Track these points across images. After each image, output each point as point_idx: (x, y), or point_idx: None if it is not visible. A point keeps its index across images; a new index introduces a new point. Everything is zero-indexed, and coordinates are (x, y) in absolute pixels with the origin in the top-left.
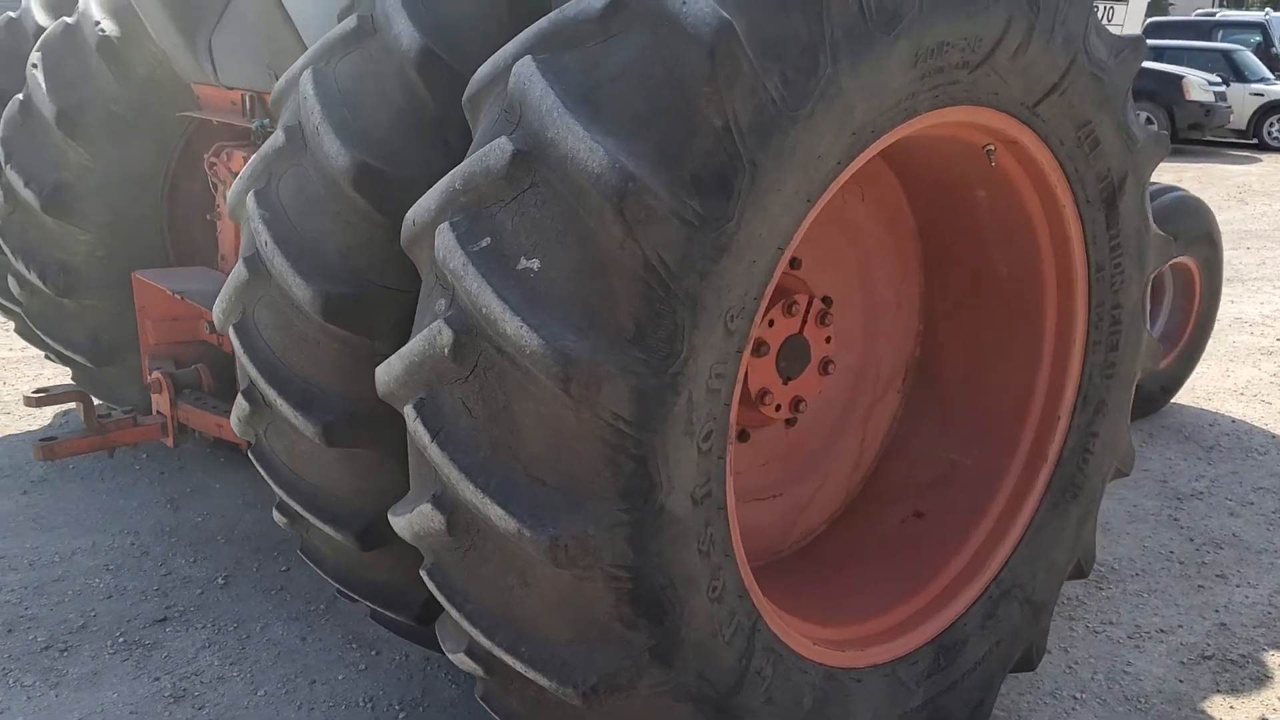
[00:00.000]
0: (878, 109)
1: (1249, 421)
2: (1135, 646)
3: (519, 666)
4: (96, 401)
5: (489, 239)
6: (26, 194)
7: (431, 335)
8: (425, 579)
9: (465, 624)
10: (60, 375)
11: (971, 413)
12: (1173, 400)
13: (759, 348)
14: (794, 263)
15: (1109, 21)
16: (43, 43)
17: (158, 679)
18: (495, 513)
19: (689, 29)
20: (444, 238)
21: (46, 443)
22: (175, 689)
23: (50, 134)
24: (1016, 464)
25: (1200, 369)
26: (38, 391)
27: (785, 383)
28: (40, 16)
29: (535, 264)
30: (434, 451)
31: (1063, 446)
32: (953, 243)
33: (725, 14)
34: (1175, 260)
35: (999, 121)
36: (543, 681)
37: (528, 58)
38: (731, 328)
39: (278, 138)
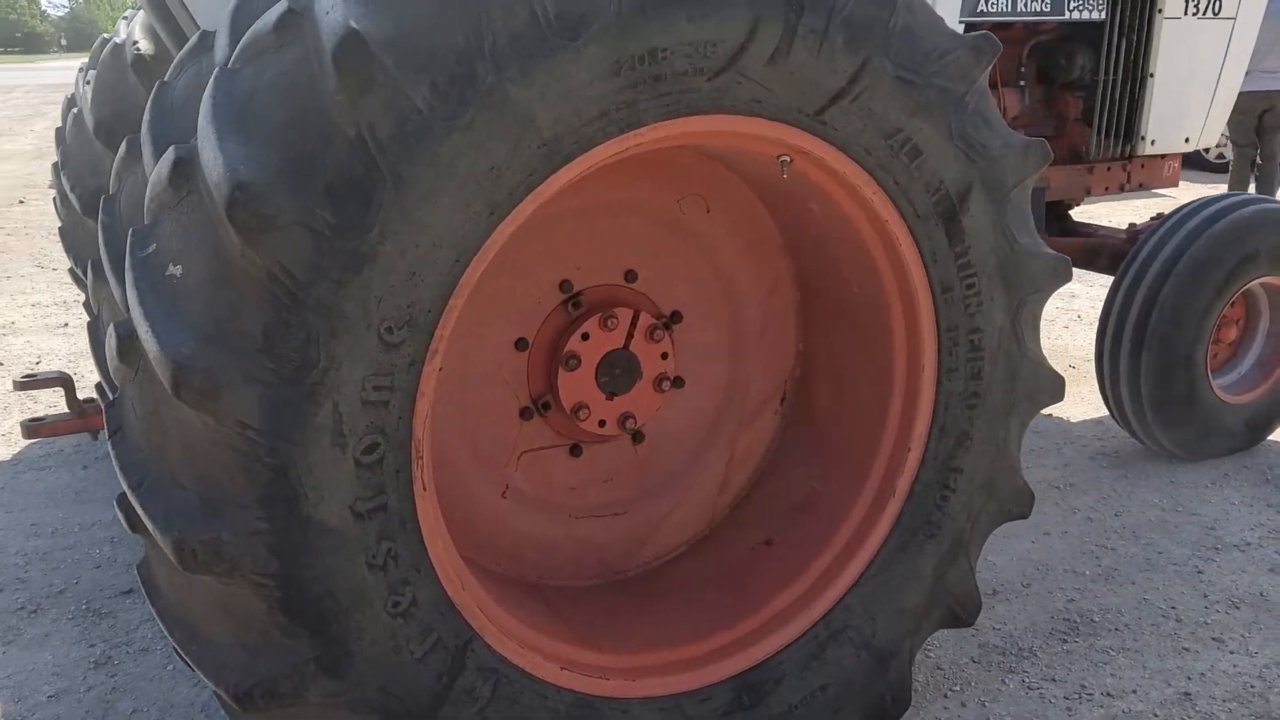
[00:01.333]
0: (574, 120)
1: None
2: (1067, 709)
3: (191, 664)
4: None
5: (154, 245)
6: (72, 197)
7: (109, 335)
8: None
9: (156, 619)
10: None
11: (834, 439)
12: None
13: (568, 361)
14: (629, 276)
15: (1215, 12)
16: (98, 60)
17: (93, 645)
18: (141, 512)
19: (323, 39)
20: (130, 242)
21: (34, 423)
22: (102, 656)
23: (92, 143)
24: (865, 497)
25: None
26: (26, 377)
27: (609, 398)
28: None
29: (179, 270)
30: (111, 448)
31: (914, 481)
32: (812, 260)
33: (354, 24)
34: (1264, 280)
35: (775, 131)
36: (208, 681)
37: (218, 69)
38: (393, 340)
39: None
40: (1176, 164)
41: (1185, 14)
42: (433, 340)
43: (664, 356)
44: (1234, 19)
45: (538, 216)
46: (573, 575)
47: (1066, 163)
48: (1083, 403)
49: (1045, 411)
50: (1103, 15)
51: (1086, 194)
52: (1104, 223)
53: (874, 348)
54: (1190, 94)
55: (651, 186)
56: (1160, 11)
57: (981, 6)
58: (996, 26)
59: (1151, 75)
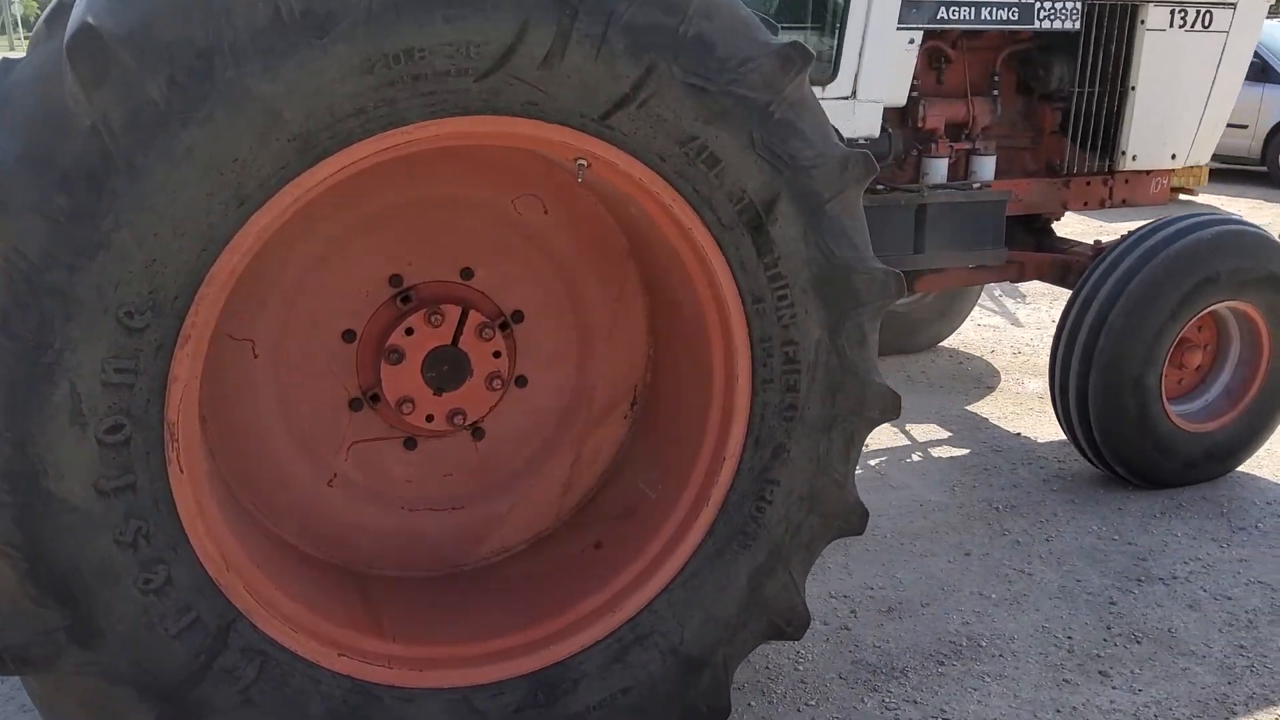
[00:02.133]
0: (327, 116)
1: None
2: None
3: None
4: None
5: None
6: None
7: None
8: None
9: None
10: None
11: (666, 445)
12: (1239, 469)
13: (390, 355)
14: (465, 273)
15: (1205, 25)
16: None
17: None
18: None
19: (66, 33)
20: None
21: None
22: None
23: None
24: (683, 504)
25: None
26: None
27: (437, 393)
28: None
29: None
30: None
31: (729, 491)
32: (649, 264)
33: (90, 19)
34: (1232, 305)
35: (559, 135)
36: None
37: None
38: (134, 325)
39: None
40: (1165, 181)
41: (1171, 26)
42: (183, 326)
43: (496, 355)
44: (1226, 32)
45: (367, 211)
46: (405, 566)
47: (1042, 175)
48: (1052, 423)
49: (1012, 430)
50: (1077, 26)
51: (1063, 208)
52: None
53: (697, 356)
54: (1177, 109)
55: (487, 185)
56: (1142, 23)
57: (941, 14)
58: (964, 35)
59: (1133, 88)
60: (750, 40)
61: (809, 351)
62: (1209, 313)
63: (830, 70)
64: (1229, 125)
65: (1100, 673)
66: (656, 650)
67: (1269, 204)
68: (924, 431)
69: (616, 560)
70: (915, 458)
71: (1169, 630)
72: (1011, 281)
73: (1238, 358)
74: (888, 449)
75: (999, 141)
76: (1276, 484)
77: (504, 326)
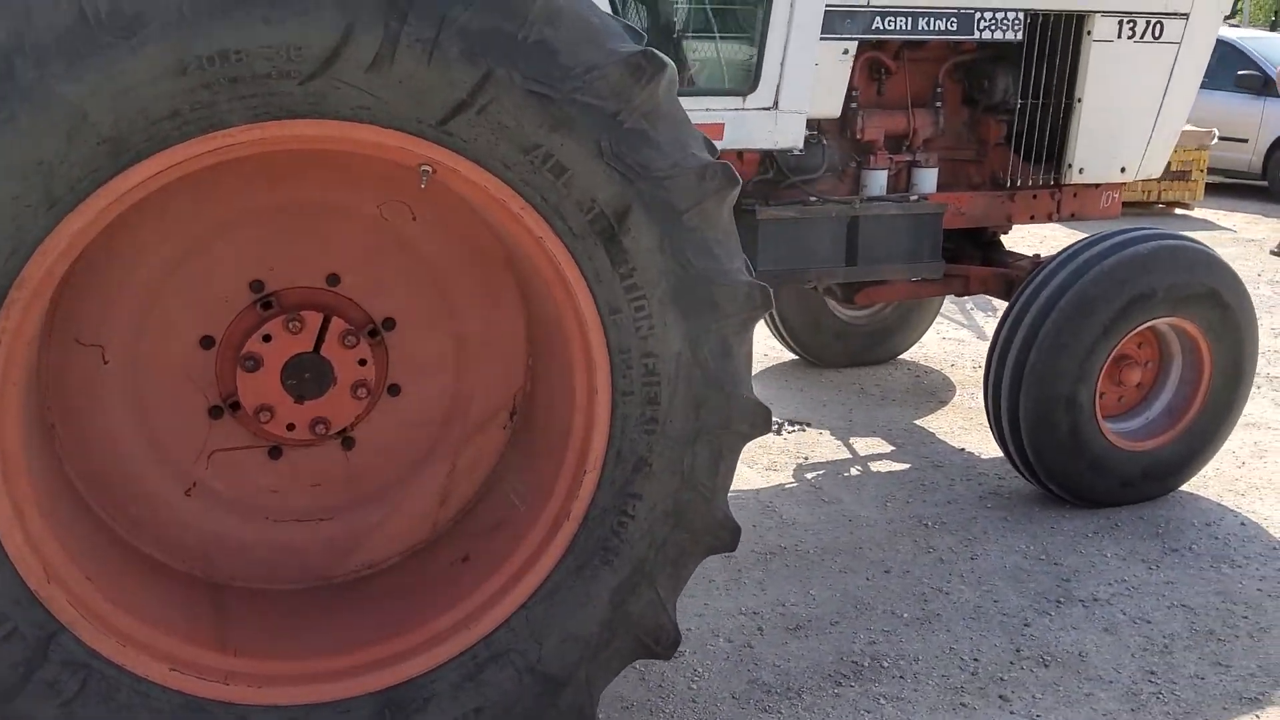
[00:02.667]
0: (140, 119)
1: (1260, 526)
2: None
3: None
4: None
5: None
6: None
7: None
8: None
9: None
10: None
11: (535, 456)
12: (1183, 489)
13: (246, 362)
14: (331, 280)
15: (1155, 37)
16: None
17: None
18: None
19: None
20: None
21: None
22: None
23: None
24: (545, 518)
25: (1237, 459)
26: None
27: (298, 401)
28: None
29: None
30: None
31: (590, 505)
32: (520, 273)
33: None
34: (1172, 322)
35: (396, 140)
36: None
37: None
38: None
39: None
40: (1116, 195)
41: (1119, 37)
42: None
43: (362, 363)
44: (1178, 44)
45: (226, 215)
46: (271, 579)
47: (986, 188)
48: None
49: (956, 446)
50: (1019, 36)
51: (1008, 221)
52: None
53: (562, 366)
54: (1126, 122)
55: (354, 190)
56: (1089, 34)
57: (877, 25)
58: (905, 46)
59: (1079, 100)
60: (597, 48)
61: (669, 364)
62: (1149, 329)
63: (751, 80)
64: (1229, 139)
65: (1000, 696)
66: (512, 669)
67: (1267, 219)
68: (867, 445)
69: (478, 575)
70: (854, 472)
71: (1080, 654)
72: (957, 295)
73: (1180, 376)
74: (827, 462)
75: (942, 154)
76: (1218, 505)
77: (373, 334)
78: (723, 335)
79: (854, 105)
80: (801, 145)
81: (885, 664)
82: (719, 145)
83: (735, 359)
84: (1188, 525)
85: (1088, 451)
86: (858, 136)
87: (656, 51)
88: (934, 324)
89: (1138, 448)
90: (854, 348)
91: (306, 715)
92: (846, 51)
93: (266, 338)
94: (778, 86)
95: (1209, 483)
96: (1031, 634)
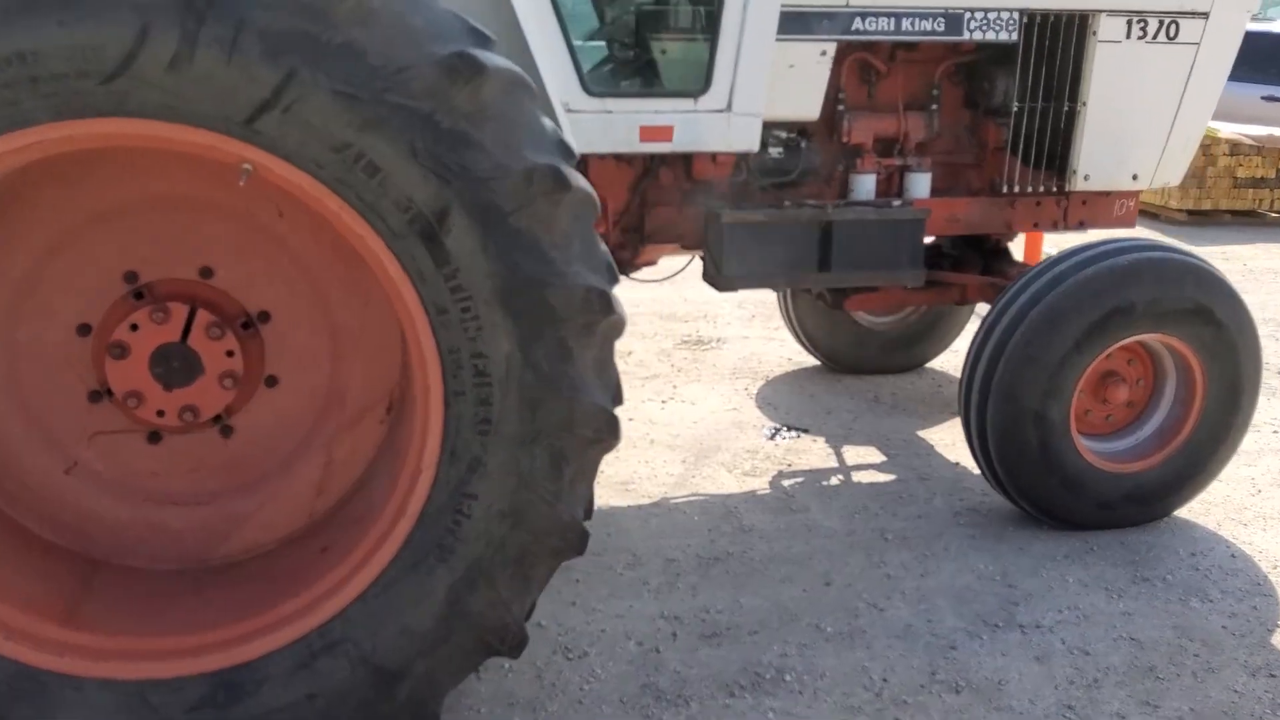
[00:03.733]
0: None
1: (1250, 560)
2: None
3: None
4: None
5: None
6: None
7: None
8: None
9: None
10: None
11: (393, 453)
12: (1178, 515)
13: (113, 350)
14: (204, 272)
15: (1170, 37)
16: None
17: None
18: None
19: None
20: None
21: None
22: None
23: None
24: (386, 514)
25: (1254, 486)
26: None
27: (168, 389)
28: None
29: None
30: None
31: (426, 502)
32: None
33: None
34: (1158, 338)
35: (203, 138)
36: None
37: None
38: None
39: None
40: (1131, 203)
41: (1128, 38)
42: None
43: (230, 354)
44: (1197, 44)
45: (100, 207)
46: (147, 558)
47: (986, 194)
48: None
49: (951, 459)
50: (1013, 37)
51: (1008, 229)
52: None
53: (409, 364)
54: (1137, 127)
55: (226, 186)
56: (1094, 34)
57: (857, 25)
58: (898, 47)
59: (1084, 104)
60: (413, 49)
61: (499, 365)
62: (1139, 346)
63: (702, 82)
64: None
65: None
66: (346, 659)
67: None
68: (857, 455)
69: (326, 566)
70: (833, 481)
71: (998, 682)
72: (955, 304)
73: (1173, 396)
74: (809, 470)
75: (939, 158)
76: (1213, 534)
77: (247, 325)
78: (560, 339)
79: (841, 107)
80: (757, 148)
81: (788, 678)
82: (667, 147)
83: (577, 362)
84: (1169, 553)
85: (1061, 470)
86: (844, 139)
87: (479, 53)
88: (966, 332)
89: (1120, 469)
90: (876, 355)
91: (141, 691)
92: (825, 53)
93: (134, 327)
94: (731, 88)
95: (1211, 510)
96: (955, 658)
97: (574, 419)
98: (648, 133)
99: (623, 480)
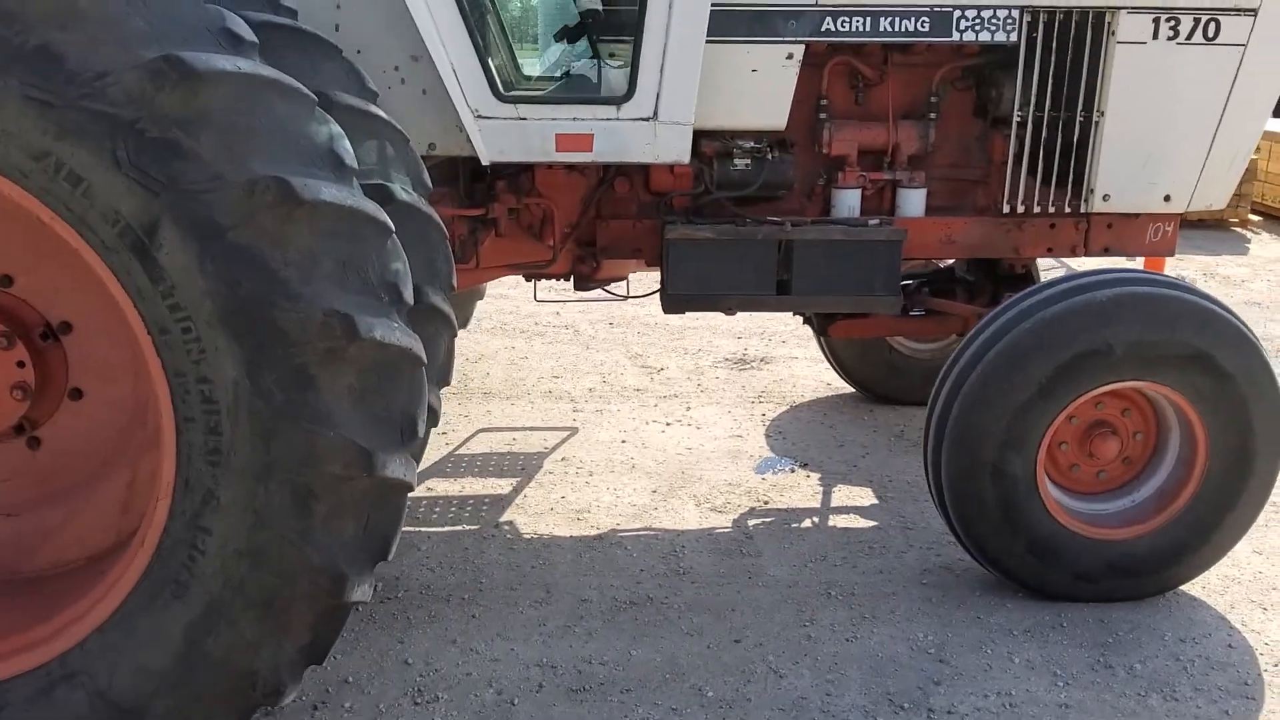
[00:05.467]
0: None
1: (1250, 652)
2: None
3: None
4: None
5: None
6: None
7: None
8: None
9: None
10: None
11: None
12: (1187, 590)
13: None
14: (4, 281)
15: (1208, 37)
16: None
17: None
18: None
19: None
20: None
21: None
22: None
23: None
24: (134, 542)
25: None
26: None
27: None
28: None
29: None
30: None
31: (162, 534)
32: None
33: None
34: (1144, 386)
35: None
36: None
37: None
38: None
39: None
40: (1168, 228)
41: (1155, 38)
42: None
43: (20, 364)
44: (1243, 45)
45: None
46: None
47: (993, 213)
48: None
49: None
50: (1012, 38)
51: (1015, 253)
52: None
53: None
54: (1169, 140)
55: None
56: (1113, 34)
57: (828, 26)
58: (891, 49)
59: (1101, 114)
60: (119, 52)
61: (226, 392)
62: (1136, 394)
63: (625, 89)
64: None
65: None
66: (83, 691)
67: None
68: (848, 496)
69: (77, 592)
70: (805, 524)
71: None
72: (959, 335)
73: (1177, 454)
74: (786, 510)
75: (941, 173)
76: (1219, 618)
77: (46, 336)
78: (297, 365)
79: (823, 116)
80: (686, 160)
81: None
82: (587, 157)
83: (321, 392)
84: (1152, 637)
85: (1027, 532)
86: (825, 151)
87: (195, 57)
88: None
89: (1105, 535)
90: (917, 385)
91: None
92: (791, 56)
93: None
94: (657, 95)
95: (1231, 587)
96: None
97: (316, 453)
98: (565, 141)
99: (579, 509)
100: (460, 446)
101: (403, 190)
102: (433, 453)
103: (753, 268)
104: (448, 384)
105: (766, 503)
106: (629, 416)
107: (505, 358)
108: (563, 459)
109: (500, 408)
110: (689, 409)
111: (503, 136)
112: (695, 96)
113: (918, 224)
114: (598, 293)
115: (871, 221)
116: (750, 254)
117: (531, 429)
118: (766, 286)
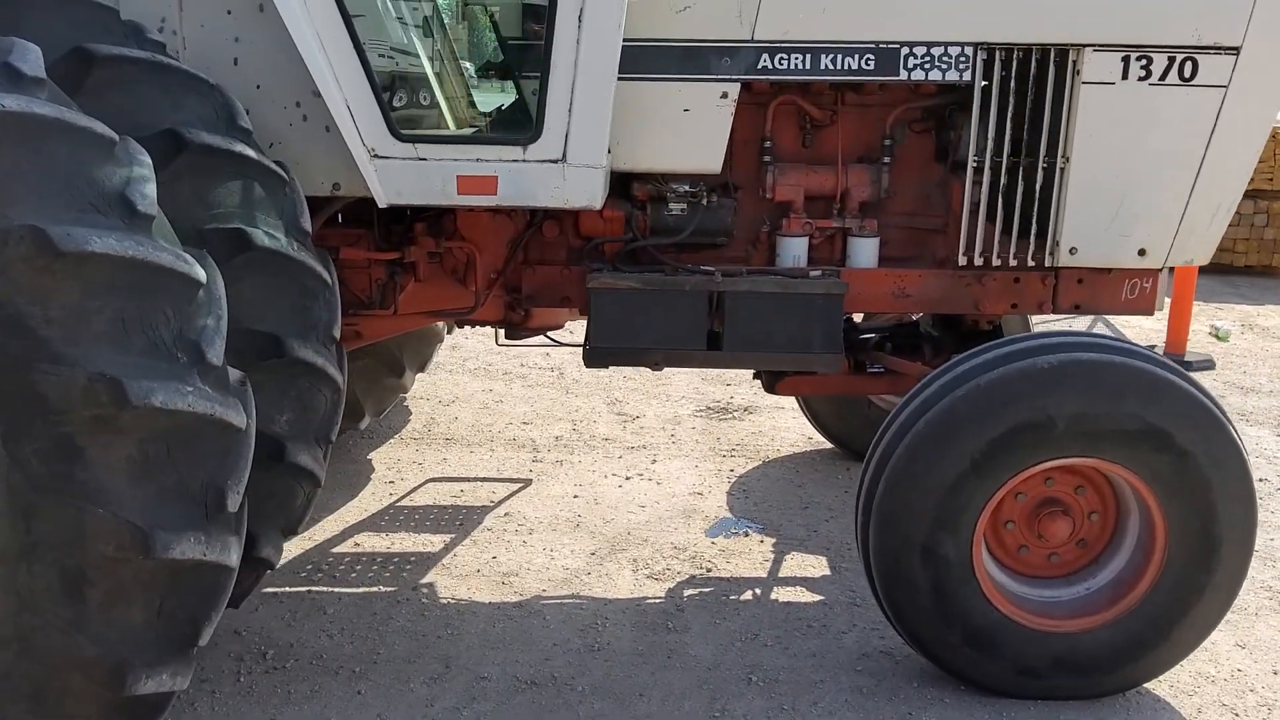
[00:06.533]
0: None
1: None
2: None
3: None
4: None
5: None
6: None
7: None
8: None
9: None
10: None
11: None
12: (1151, 689)
13: None
14: None
15: (1185, 78)
16: None
17: None
18: None
19: None
20: None
21: None
22: None
23: None
24: None
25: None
26: None
27: None
28: None
29: None
30: None
31: None
32: None
33: None
34: (1091, 463)
35: None
36: None
37: None
38: None
39: None
40: (1148, 284)
41: (1126, 78)
42: None
43: None
44: (1225, 87)
45: None
46: None
47: (946, 265)
48: None
49: None
50: (965, 77)
51: (975, 308)
52: None
53: None
54: (1144, 190)
55: None
56: (1078, 73)
57: (765, 63)
58: (840, 88)
59: (1066, 160)
60: None
61: None
62: (1092, 469)
63: (532, 128)
64: None
65: None
66: None
67: None
68: (801, 564)
69: None
70: (744, 597)
71: None
72: None
73: (1136, 538)
74: (729, 579)
75: (897, 220)
76: (1157, 709)
77: None
78: (60, 435)
79: (767, 159)
80: (599, 205)
81: None
82: (490, 200)
83: (90, 465)
84: None
85: (962, 621)
86: (769, 196)
87: None
88: None
89: (1050, 626)
90: None
91: None
92: (726, 95)
93: None
94: (565, 136)
95: (1204, 687)
96: None
97: (85, 532)
98: (467, 184)
99: (508, 571)
100: (403, 498)
101: (266, 235)
102: (372, 504)
103: (681, 320)
104: (330, 442)
105: (709, 570)
106: (589, 469)
107: (479, 401)
108: (506, 514)
109: (458, 455)
110: (654, 461)
111: (400, 178)
112: (607, 137)
113: (868, 275)
114: (548, 336)
115: (813, 273)
116: (678, 305)
117: (482, 479)
118: (696, 341)
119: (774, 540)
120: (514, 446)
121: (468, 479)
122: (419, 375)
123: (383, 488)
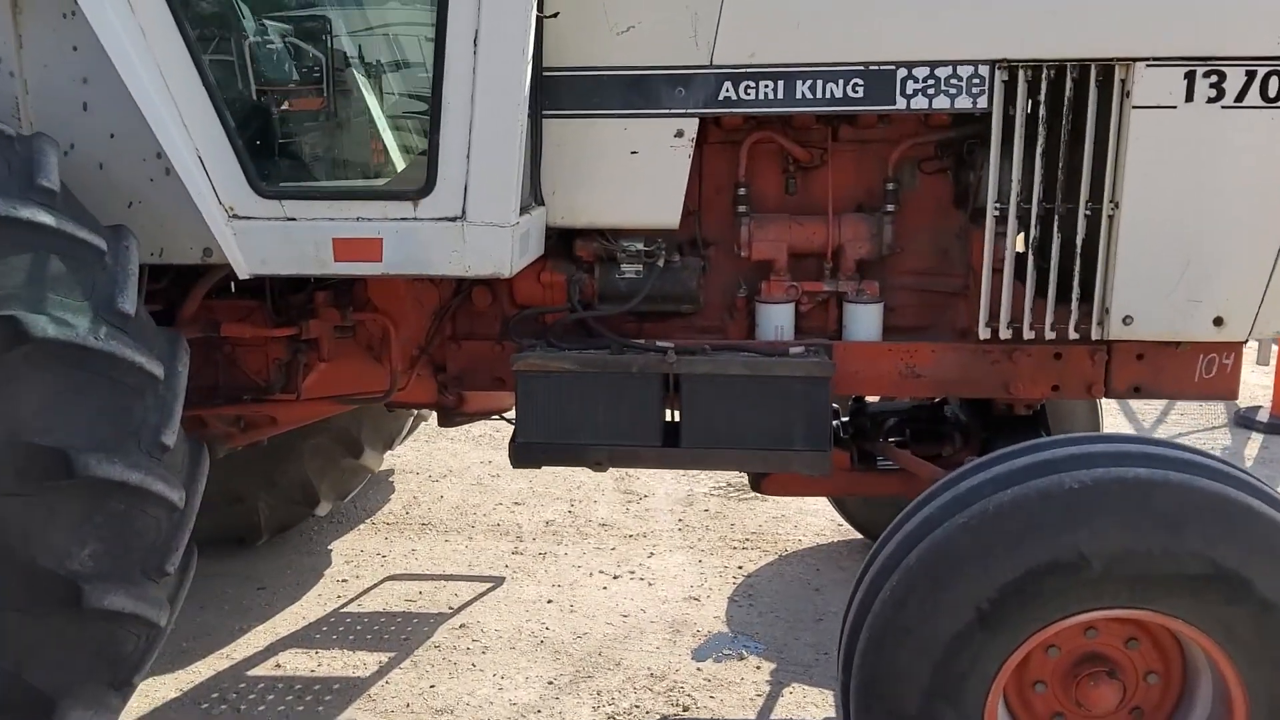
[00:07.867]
0: None
1: None
2: None
3: None
4: None
5: None
6: None
7: None
8: None
9: None
10: None
11: None
12: None
13: None
14: None
15: (1269, 99)
16: None
17: None
18: None
19: None
20: None
21: None
22: None
23: None
24: None
25: None
26: None
27: None
28: None
29: None
30: None
31: None
32: None
33: None
34: (1155, 619)
35: None
36: None
37: None
38: None
39: None
40: (1228, 360)
41: (1191, 99)
42: None
43: None
44: None
45: None
46: None
47: (969, 338)
48: None
49: None
50: (980, 104)
51: (1005, 390)
52: None
53: None
54: (1217, 241)
55: None
56: (1128, 96)
57: (727, 93)
58: (831, 120)
59: (1115, 205)
60: None
61: None
62: (1151, 624)
63: (424, 182)
64: None
65: None
66: None
67: None
68: (800, 702)
69: None
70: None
71: None
72: None
73: (1210, 710)
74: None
75: (907, 281)
76: None
77: None
78: None
79: (741, 209)
80: (508, 272)
81: None
82: (375, 269)
83: None
84: None
85: None
86: (744, 254)
87: None
88: None
89: None
90: None
91: None
92: (681, 133)
93: None
94: (464, 189)
95: None
96: None
97: None
98: (346, 248)
99: (442, 708)
100: (351, 602)
101: (52, 323)
102: (315, 609)
103: (628, 410)
104: (172, 571)
105: (685, 709)
106: (573, 564)
107: (473, 476)
108: (461, 626)
109: (430, 545)
110: (651, 555)
111: (265, 242)
112: (516, 189)
113: (868, 351)
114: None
115: (794, 349)
116: (625, 392)
117: (447, 578)
118: (648, 435)
119: (773, 667)
120: (496, 534)
121: (431, 577)
122: (403, 446)
123: (333, 587)
